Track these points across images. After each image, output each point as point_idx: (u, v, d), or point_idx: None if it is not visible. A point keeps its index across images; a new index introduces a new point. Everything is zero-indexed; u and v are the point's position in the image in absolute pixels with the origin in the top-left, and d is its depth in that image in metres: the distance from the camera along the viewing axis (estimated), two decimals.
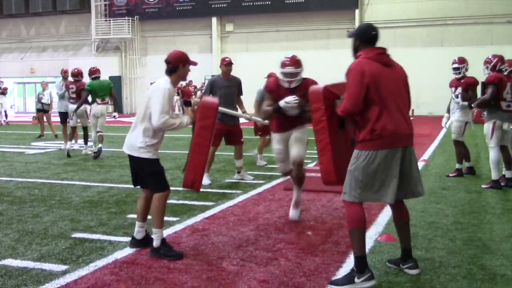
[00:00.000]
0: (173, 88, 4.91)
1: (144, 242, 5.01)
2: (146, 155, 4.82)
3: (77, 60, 35.47)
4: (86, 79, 12.12)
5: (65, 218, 6.20)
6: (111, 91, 11.73)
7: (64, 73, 13.38)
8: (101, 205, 6.93)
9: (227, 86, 8.54)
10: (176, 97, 30.58)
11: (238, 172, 8.91)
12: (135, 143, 4.84)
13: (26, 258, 4.72)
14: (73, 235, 5.45)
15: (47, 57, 36.72)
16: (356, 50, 4.30)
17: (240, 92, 8.81)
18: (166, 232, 5.52)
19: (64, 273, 4.34)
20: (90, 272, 4.36)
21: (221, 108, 7.89)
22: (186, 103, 30.43)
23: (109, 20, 34.50)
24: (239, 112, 8.58)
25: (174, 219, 6.10)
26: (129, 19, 33.75)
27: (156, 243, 4.80)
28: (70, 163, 10.83)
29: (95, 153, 11.57)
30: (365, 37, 4.23)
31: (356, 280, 4.03)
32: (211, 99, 5.13)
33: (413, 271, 4.31)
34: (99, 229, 5.72)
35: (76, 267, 4.47)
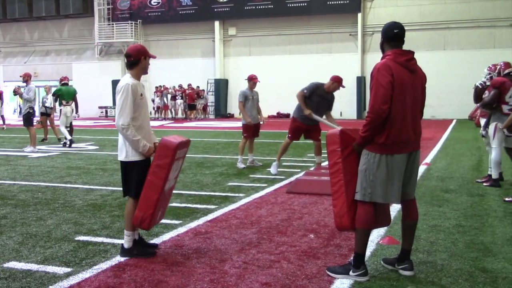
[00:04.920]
0: (139, 81, 4.87)
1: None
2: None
3: (80, 64, 35.66)
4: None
5: (69, 221, 6.23)
6: (74, 96, 14.95)
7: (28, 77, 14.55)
8: (104, 208, 6.96)
9: (324, 97, 9.12)
10: (179, 101, 30.70)
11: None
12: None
13: (30, 261, 4.74)
14: (76, 238, 5.48)
15: (51, 61, 36.87)
16: (382, 48, 4.37)
17: (330, 108, 9.31)
18: (169, 235, 5.55)
19: (67, 275, 4.36)
20: (93, 274, 4.38)
21: (315, 116, 8.89)
22: (190, 106, 30.57)
23: (112, 24, 34.64)
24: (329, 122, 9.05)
25: (177, 222, 6.12)
26: (132, 23, 33.89)
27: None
28: (73, 167, 10.87)
29: (70, 141, 14.54)
30: (388, 35, 4.27)
31: (350, 273, 4.26)
32: (172, 139, 4.80)
33: (407, 273, 4.35)
34: (103, 232, 5.75)
35: (80, 270, 4.49)
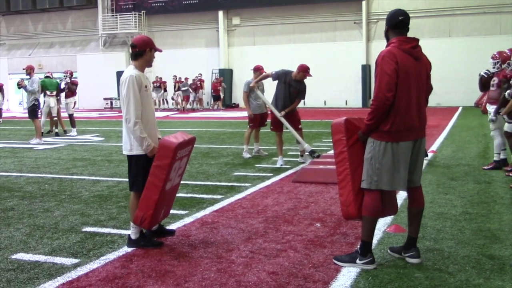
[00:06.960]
0: (142, 73, 4.84)
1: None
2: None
3: (85, 55, 35.63)
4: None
5: (76, 212, 6.26)
6: (58, 87, 16.17)
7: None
8: (111, 199, 6.98)
9: (292, 85, 9.29)
10: (181, 92, 30.55)
11: (301, 156, 9.70)
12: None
13: (38, 252, 4.77)
14: (83, 229, 5.50)
15: (55, 53, 36.84)
16: (386, 35, 4.35)
17: (299, 96, 9.39)
18: (176, 225, 5.57)
19: (75, 266, 4.39)
20: (101, 265, 4.41)
21: (267, 102, 9.29)
22: (215, 97, 30.77)
23: (116, 15, 34.55)
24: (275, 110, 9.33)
25: (183, 212, 6.14)
26: (135, 14, 33.79)
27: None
28: (79, 158, 10.90)
29: (49, 132, 16.20)
30: (393, 22, 4.24)
31: (357, 261, 4.27)
32: (173, 139, 4.76)
33: (415, 260, 4.35)
34: (109, 223, 5.77)
35: (87, 261, 4.51)
